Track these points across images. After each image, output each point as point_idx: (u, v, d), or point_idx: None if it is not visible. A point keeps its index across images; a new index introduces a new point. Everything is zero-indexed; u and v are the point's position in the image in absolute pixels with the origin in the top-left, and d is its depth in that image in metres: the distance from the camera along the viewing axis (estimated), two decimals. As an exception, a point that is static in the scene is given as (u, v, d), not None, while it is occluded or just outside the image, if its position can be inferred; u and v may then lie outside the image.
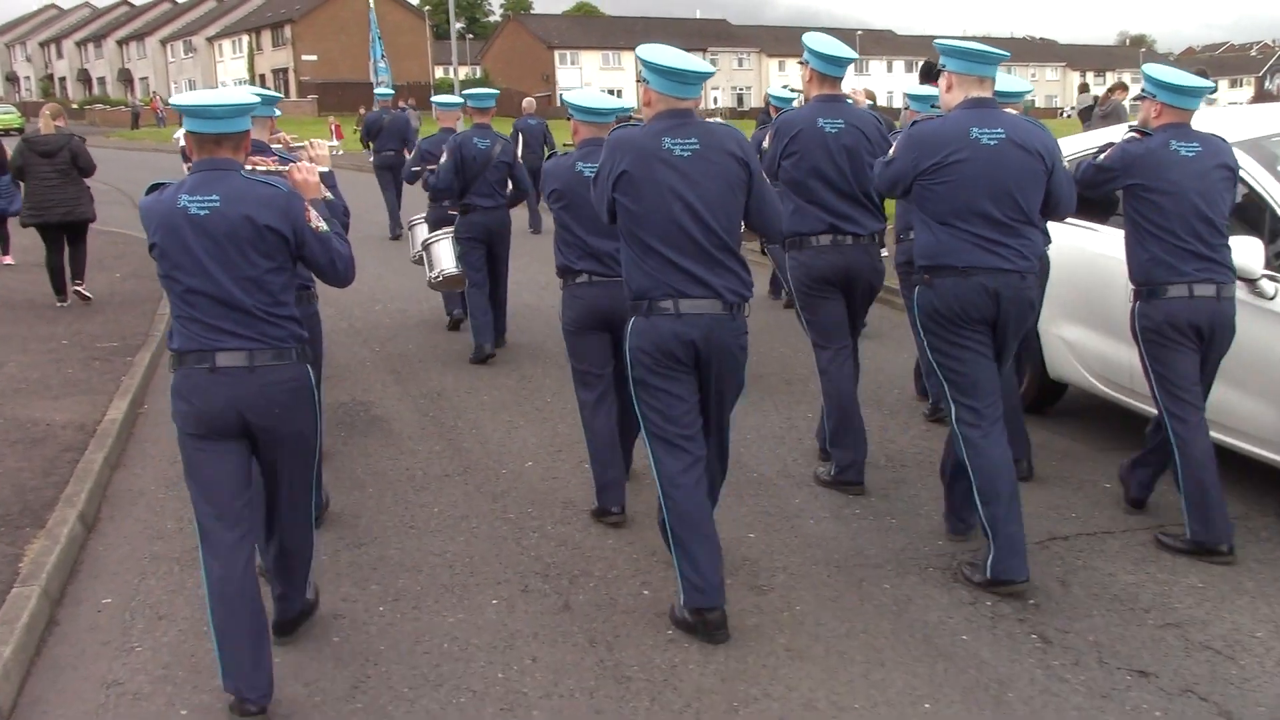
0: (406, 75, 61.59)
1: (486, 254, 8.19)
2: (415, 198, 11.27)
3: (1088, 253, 5.67)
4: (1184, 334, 4.46)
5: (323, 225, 3.57)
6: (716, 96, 76.49)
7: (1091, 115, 14.55)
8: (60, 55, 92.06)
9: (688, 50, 4.06)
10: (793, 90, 7.32)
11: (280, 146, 4.84)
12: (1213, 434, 4.58)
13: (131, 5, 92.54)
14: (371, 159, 15.63)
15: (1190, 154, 4.44)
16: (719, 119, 4.42)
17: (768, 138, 5.37)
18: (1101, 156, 4.64)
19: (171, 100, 3.75)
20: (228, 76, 70.88)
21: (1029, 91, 5.63)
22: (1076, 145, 6.17)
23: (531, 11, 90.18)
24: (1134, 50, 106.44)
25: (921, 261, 4.30)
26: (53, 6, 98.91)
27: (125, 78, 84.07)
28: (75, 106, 70.58)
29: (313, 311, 4.80)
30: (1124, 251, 4.67)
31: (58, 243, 10.09)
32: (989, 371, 4.28)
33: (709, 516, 4.00)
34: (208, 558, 3.48)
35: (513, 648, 3.92)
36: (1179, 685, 3.59)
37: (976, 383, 4.25)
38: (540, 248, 12.06)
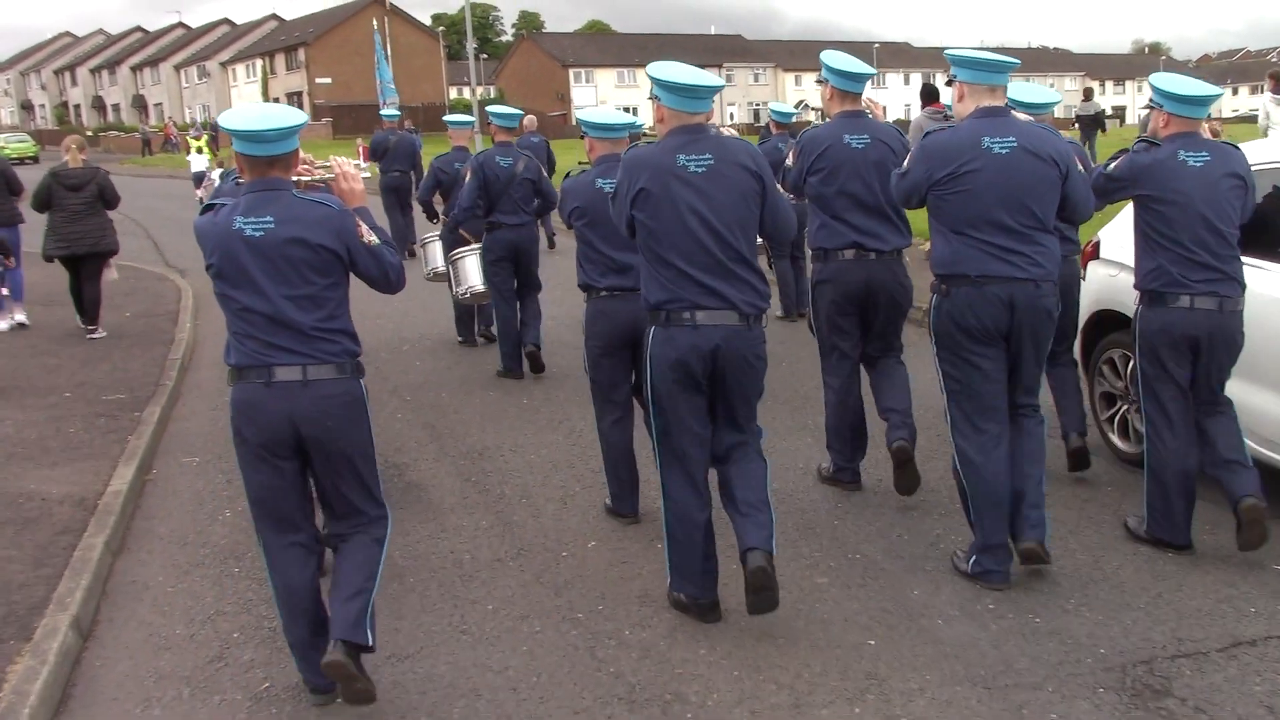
0: (421, 97, 61.18)
1: (515, 270, 8.18)
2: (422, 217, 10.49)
3: (1261, 297, 4.78)
4: (1177, 347, 4.48)
5: (373, 238, 3.65)
6: (733, 112, 75.72)
7: (1099, 124, 13.78)
8: (75, 83, 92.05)
9: (703, 66, 4.13)
10: (810, 106, 7.98)
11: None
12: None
13: (145, 31, 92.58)
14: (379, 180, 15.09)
15: (1199, 164, 4.42)
16: (733, 131, 4.47)
17: (792, 154, 5.40)
18: (1111, 166, 4.66)
19: (219, 122, 3.77)
20: (241, 102, 70.52)
21: (1057, 102, 5.52)
22: (1267, 154, 5.22)
23: (544, 30, 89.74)
24: (1153, 59, 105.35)
25: (937, 271, 4.34)
26: (67, 34, 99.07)
27: (140, 104, 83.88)
28: (90, 134, 70.41)
29: None
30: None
31: (82, 274, 9.86)
32: (994, 390, 4.34)
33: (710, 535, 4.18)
34: (270, 570, 3.71)
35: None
36: None
37: (980, 400, 4.34)
38: (556, 264, 11.07)
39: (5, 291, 9.82)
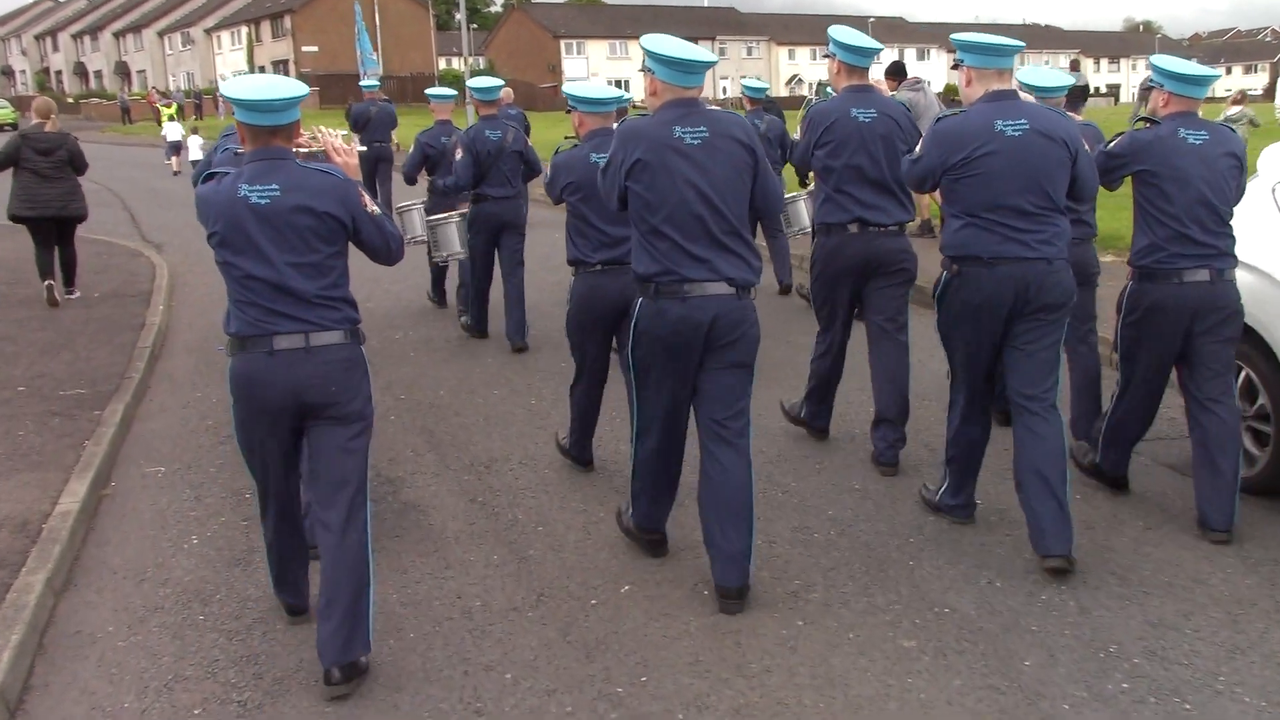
0: (410, 66, 59.98)
1: (494, 244, 8.14)
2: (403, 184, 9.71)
3: None
4: (1167, 320, 4.51)
5: (375, 208, 3.66)
6: (725, 86, 74.48)
7: (1080, 99, 13.05)
8: (56, 48, 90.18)
9: (696, 39, 3.73)
10: (803, 80, 7.80)
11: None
12: None
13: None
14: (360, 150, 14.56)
15: (1198, 142, 4.47)
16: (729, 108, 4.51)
17: (800, 127, 5.45)
18: (1112, 144, 4.70)
19: (222, 91, 3.73)
20: (226, 69, 68.84)
21: (1068, 85, 5.42)
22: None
23: (535, 1, 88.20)
24: (1148, 37, 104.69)
25: (949, 252, 4.37)
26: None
27: (122, 70, 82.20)
28: (71, 100, 68.94)
29: None
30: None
31: (48, 240, 9.80)
32: (980, 370, 4.47)
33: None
34: (266, 530, 3.84)
35: None
36: None
37: (969, 376, 4.50)
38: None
39: None
